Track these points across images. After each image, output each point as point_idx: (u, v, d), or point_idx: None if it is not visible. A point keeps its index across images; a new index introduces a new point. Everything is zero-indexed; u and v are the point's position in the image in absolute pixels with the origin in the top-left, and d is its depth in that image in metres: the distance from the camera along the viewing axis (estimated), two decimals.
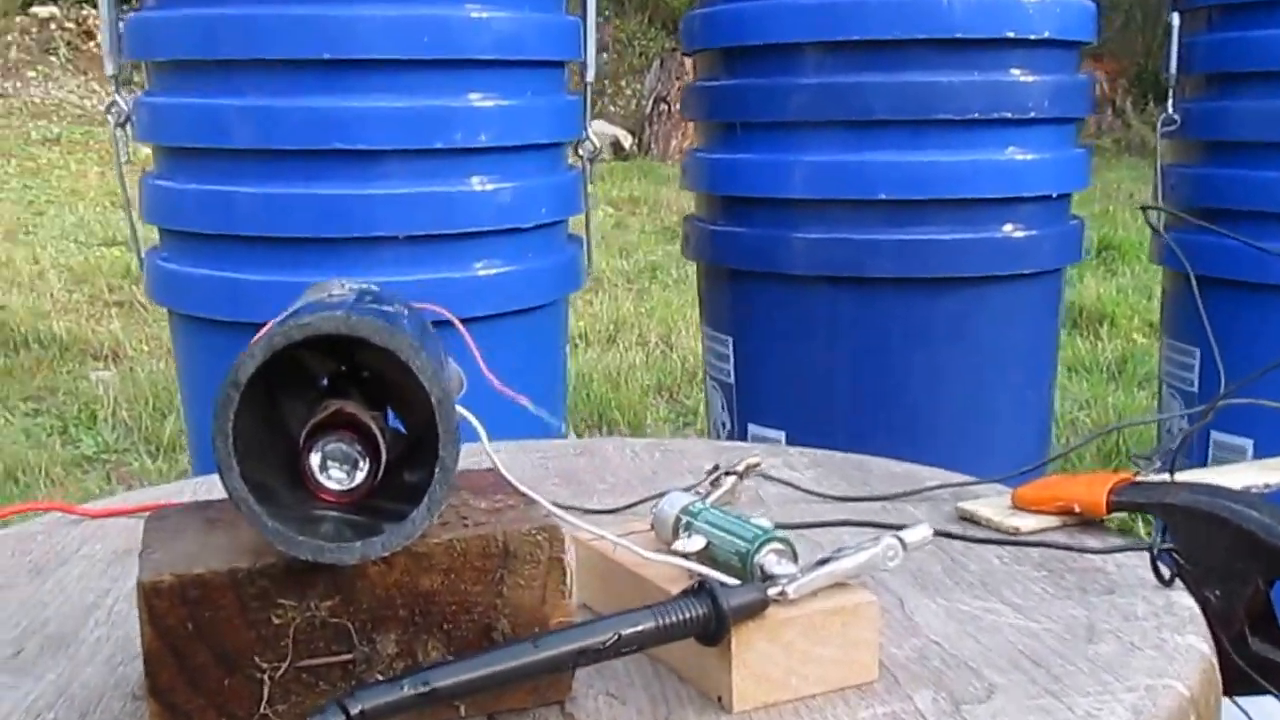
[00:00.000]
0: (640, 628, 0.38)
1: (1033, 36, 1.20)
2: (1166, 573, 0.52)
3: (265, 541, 0.36)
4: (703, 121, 1.38)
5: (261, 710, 0.38)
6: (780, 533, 0.43)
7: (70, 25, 8.94)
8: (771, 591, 0.41)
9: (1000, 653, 0.45)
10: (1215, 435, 1.33)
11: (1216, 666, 0.46)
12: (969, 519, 0.61)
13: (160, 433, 3.38)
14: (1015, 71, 1.21)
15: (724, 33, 1.29)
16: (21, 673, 0.46)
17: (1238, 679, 0.54)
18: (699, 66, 1.40)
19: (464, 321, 1.10)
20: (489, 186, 1.11)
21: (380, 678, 0.39)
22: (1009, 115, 1.20)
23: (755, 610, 0.40)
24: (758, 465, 0.59)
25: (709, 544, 0.44)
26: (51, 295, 4.70)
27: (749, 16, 1.25)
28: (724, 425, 1.38)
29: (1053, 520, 0.59)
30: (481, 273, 1.11)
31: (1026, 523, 0.59)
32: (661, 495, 0.49)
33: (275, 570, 0.37)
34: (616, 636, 0.37)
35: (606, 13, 12.13)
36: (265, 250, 1.09)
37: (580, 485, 0.70)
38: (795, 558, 0.43)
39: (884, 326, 1.25)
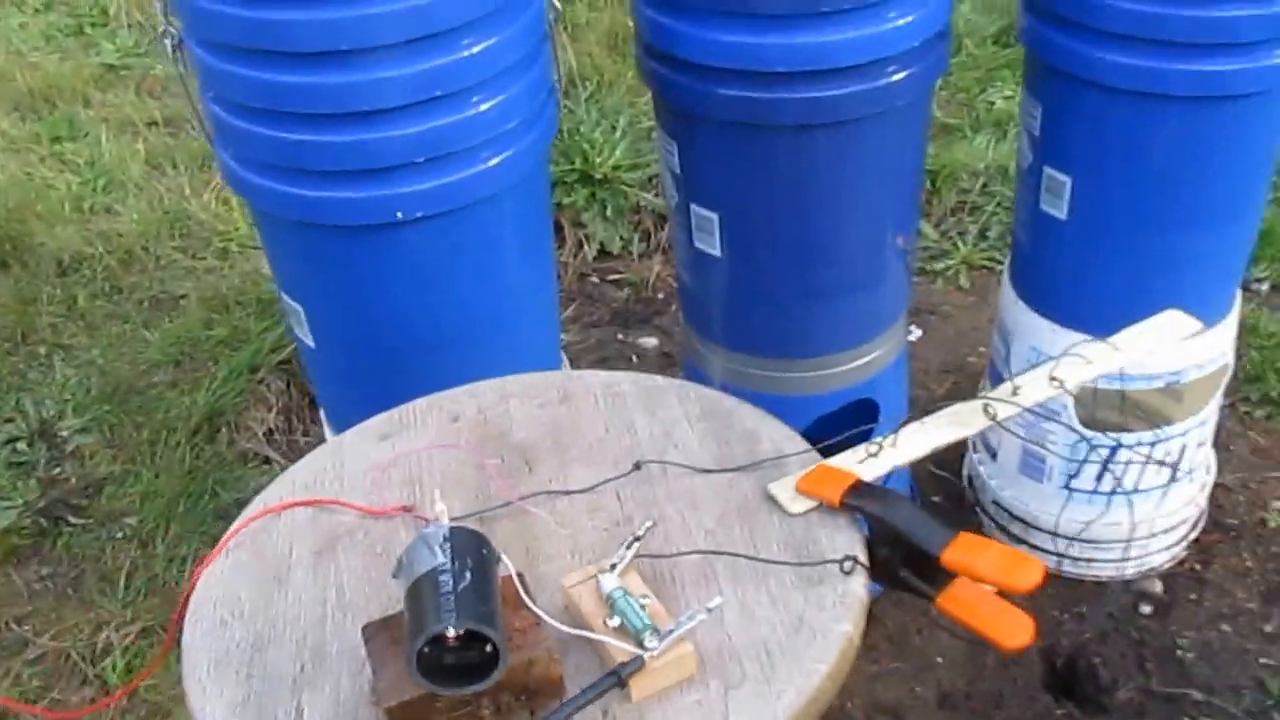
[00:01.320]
0: (591, 697, 0.94)
1: None
2: (848, 567, 1.07)
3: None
4: None
5: None
6: (651, 624, 0.98)
7: None
8: (647, 656, 0.96)
9: (756, 643, 1.01)
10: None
11: (855, 639, 1.02)
12: (771, 498, 1.15)
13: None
14: None
15: None
16: (315, 686, 1.03)
17: (899, 588, 1.11)
18: None
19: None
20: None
21: (486, 713, 0.96)
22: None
23: (639, 669, 0.96)
24: (652, 526, 1.12)
25: (622, 623, 0.99)
26: None
27: None
28: (674, 199, 1.85)
29: (814, 504, 1.13)
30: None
31: (799, 507, 1.13)
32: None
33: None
34: (581, 705, 0.94)
35: None
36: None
37: (561, 452, 1.23)
38: (659, 634, 0.98)
39: (790, 162, 1.67)
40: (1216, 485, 2.34)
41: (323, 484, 1.23)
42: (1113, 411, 2.04)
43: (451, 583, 0.92)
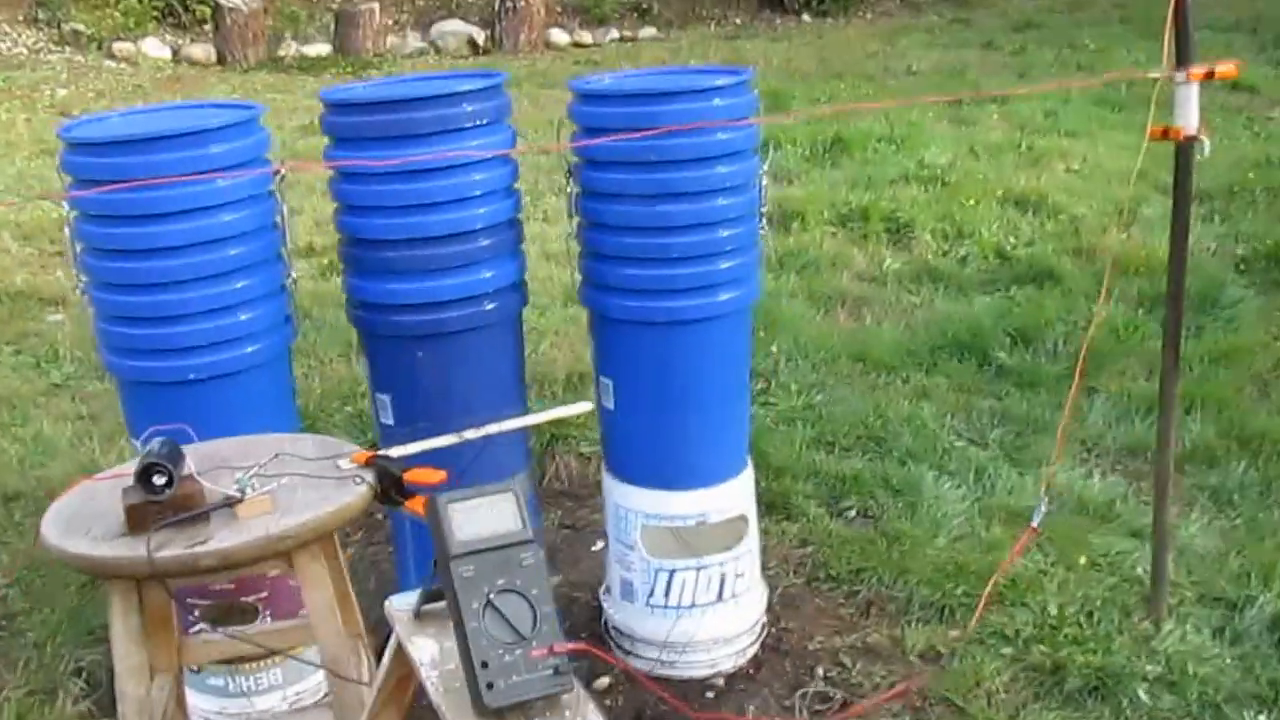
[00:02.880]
0: (216, 506, 2.12)
1: None
2: (358, 481, 2.25)
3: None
4: None
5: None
6: (251, 485, 2.17)
7: None
8: (246, 497, 2.14)
9: (302, 501, 2.18)
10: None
11: (354, 506, 2.19)
12: (337, 465, 2.34)
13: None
14: None
15: None
16: (98, 521, 2.18)
17: (390, 504, 2.29)
18: None
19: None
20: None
21: (169, 513, 2.13)
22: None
23: (242, 500, 2.14)
24: (268, 465, 2.32)
25: (240, 489, 2.18)
26: (9, 253, 6.31)
27: None
28: (370, 391, 3.11)
29: (356, 467, 2.33)
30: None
31: (348, 467, 2.32)
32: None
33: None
34: (212, 509, 2.11)
35: None
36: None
37: (245, 456, 2.43)
38: (255, 489, 2.16)
39: (428, 360, 2.96)
40: (782, 629, 3.48)
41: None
42: (668, 543, 3.22)
43: (158, 452, 2.13)
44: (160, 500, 2.11)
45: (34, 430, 4.58)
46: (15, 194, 6.89)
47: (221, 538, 2.09)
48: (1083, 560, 3.65)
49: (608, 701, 3.25)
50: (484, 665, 1.72)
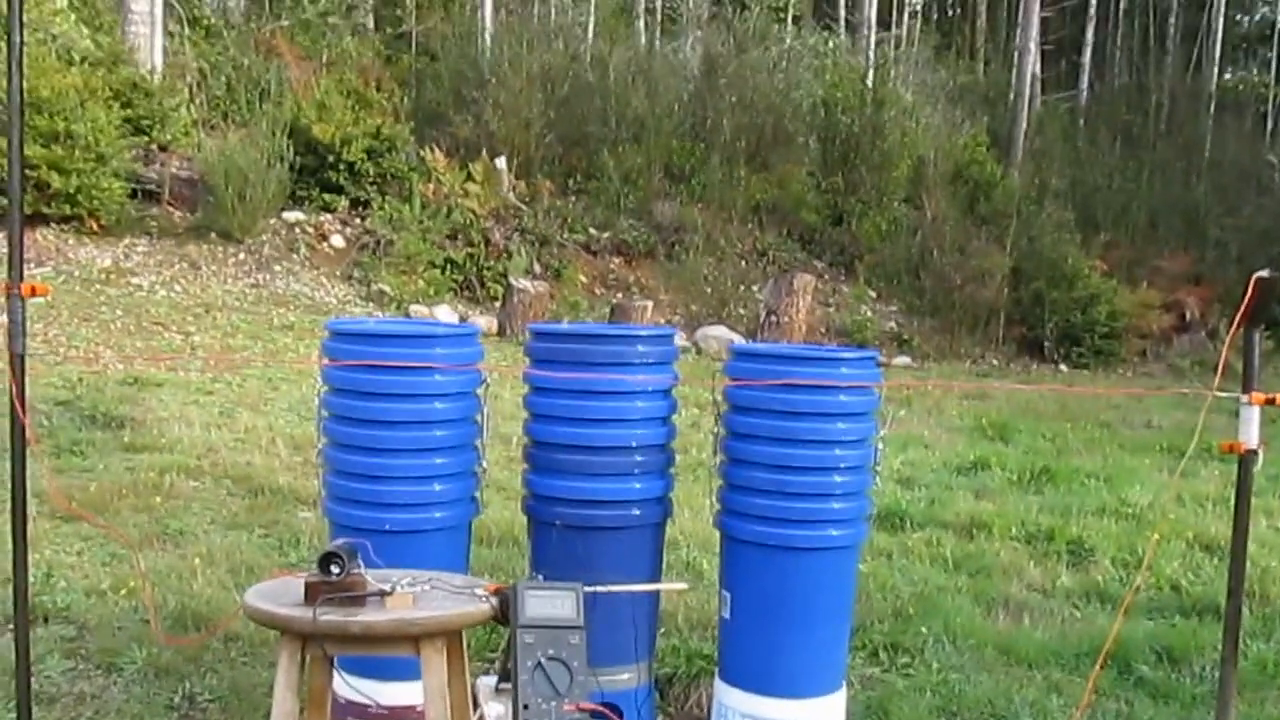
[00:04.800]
0: (373, 594, 2.86)
1: None
2: (487, 600, 2.94)
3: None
4: None
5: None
6: (398, 585, 2.90)
7: (310, 229, 12.15)
8: (396, 590, 2.87)
9: (440, 600, 2.89)
10: None
11: (484, 611, 2.88)
12: (472, 591, 3.04)
13: None
14: None
15: None
16: (290, 601, 2.95)
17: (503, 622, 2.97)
18: None
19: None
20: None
21: (337, 596, 2.87)
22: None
23: (392, 593, 2.87)
24: (430, 583, 3.05)
25: (394, 587, 2.91)
26: (279, 458, 7.45)
27: None
28: (529, 569, 3.82)
29: (488, 594, 3.02)
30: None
31: (482, 592, 3.02)
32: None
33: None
34: (369, 595, 2.85)
35: (749, 224, 14.73)
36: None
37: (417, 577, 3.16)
38: (401, 588, 2.89)
39: (579, 549, 3.66)
40: None
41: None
42: None
43: (339, 547, 2.90)
44: (332, 582, 2.86)
45: None
46: (297, 413, 8.09)
47: (369, 615, 2.82)
48: None
49: None
50: (525, 707, 2.35)
